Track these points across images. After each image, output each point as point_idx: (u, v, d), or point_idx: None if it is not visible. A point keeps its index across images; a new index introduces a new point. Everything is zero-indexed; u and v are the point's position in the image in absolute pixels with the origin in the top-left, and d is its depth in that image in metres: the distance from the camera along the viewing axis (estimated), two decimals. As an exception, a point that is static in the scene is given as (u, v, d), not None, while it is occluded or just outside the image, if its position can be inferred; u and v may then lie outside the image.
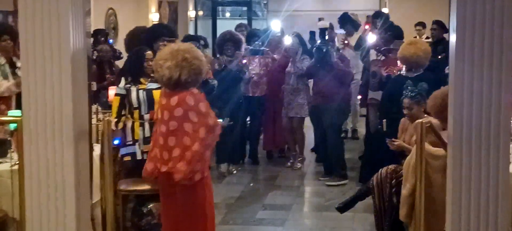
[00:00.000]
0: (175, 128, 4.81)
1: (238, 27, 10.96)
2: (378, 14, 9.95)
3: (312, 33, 10.00)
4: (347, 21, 9.14)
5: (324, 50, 8.34)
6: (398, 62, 7.65)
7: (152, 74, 6.01)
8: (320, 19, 10.70)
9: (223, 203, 7.50)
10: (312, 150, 9.80)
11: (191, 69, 4.86)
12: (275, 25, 9.54)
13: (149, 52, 6.10)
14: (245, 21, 14.96)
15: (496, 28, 3.67)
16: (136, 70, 6.06)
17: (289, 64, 8.96)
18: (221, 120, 5.43)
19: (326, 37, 8.63)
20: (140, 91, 5.93)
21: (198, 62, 4.90)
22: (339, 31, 10.10)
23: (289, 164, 9.21)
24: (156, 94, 5.92)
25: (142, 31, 7.62)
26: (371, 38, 8.88)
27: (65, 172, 3.98)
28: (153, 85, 5.96)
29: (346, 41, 9.61)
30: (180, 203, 4.93)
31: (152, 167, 5.00)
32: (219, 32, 14.94)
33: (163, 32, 7.12)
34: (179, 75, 4.82)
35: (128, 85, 5.98)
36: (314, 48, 8.61)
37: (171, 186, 4.89)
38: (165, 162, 4.87)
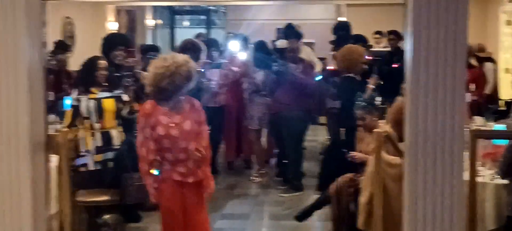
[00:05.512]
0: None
1: (198, 36, 10.94)
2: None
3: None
4: (291, 32, 9.22)
5: (283, 70, 8.33)
6: None
7: (104, 83, 5.99)
8: (275, 41, 10.60)
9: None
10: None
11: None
12: (233, 45, 9.51)
13: (103, 61, 6.06)
14: (203, 30, 14.95)
15: (450, 35, 3.73)
16: (87, 80, 6.02)
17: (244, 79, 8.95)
18: None
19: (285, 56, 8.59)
20: (91, 101, 5.89)
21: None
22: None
23: (251, 178, 9.10)
24: (106, 103, 5.91)
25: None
26: None
27: (22, 184, 3.92)
28: (104, 94, 5.93)
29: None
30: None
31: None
32: (178, 41, 14.95)
33: (118, 41, 7.12)
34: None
35: (79, 96, 5.94)
36: (274, 69, 8.53)
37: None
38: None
